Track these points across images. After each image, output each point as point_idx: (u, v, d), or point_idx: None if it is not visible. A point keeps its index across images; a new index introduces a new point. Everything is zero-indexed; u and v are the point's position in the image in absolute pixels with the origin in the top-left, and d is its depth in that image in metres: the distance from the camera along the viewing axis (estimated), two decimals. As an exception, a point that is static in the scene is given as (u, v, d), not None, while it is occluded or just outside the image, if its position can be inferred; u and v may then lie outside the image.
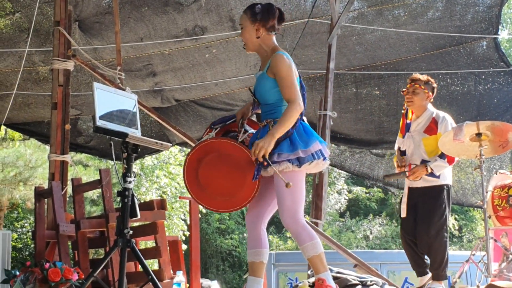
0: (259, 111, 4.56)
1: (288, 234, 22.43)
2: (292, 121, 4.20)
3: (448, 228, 6.14)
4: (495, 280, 5.54)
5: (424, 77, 6.22)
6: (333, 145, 9.87)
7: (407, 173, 6.11)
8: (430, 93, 6.20)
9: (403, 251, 6.44)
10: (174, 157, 19.49)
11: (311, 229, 4.31)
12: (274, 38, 4.46)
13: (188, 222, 16.43)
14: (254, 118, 4.72)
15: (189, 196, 4.56)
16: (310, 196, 7.91)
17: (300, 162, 4.20)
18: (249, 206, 4.42)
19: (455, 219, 23.36)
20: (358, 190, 24.96)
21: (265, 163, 4.14)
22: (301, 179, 4.33)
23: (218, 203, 4.37)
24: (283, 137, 4.22)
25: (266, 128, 4.30)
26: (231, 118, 4.59)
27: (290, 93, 4.24)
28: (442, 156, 5.98)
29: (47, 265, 4.35)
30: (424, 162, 6.06)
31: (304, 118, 4.42)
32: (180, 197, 16.66)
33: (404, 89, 6.26)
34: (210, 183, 4.30)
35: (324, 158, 4.32)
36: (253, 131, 4.53)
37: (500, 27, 8.38)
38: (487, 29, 8.24)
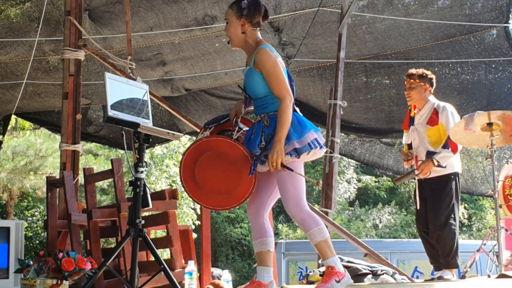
0: (252, 108, 4.58)
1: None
2: (289, 118, 4.22)
3: (458, 217, 6.16)
4: (508, 269, 5.54)
5: (419, 71, 6.29)
6: (343, 134, 9.86)
7: (416, 172, 6.13)
8: (428, 85, 6.24)
9: (412, 240, 6.48)
10: (184, 146, 19.48)
11: (316, 215, 4.34)
12: (259, 33, 4.46)
13: (198, 211, 16.42)
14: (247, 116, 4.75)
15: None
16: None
17: (298, 152, 4.23)
18: (249, 200, 4.43)
19: (465, 207, 23.33)
20: (367, 179, 24.96)
21: (286, 170, 4.18)
22: (301, 167, 4.37)
23: (216, 201, 4.38)
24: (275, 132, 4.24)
25: (261, 123, 4.34)
26: (225, 118, 4.60)
27: (279, 89, 4.27)
28: (445, 146, 6.00)
29: (60, 254, 4.37)
30: (429, 154, 6.09)
31: (297, 108, 4.44)
32: (190, 187, 16.65)
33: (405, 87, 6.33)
34: (207, 181, 4.32)
35: (321, 147, 4.35)
36: (247, 128, 4.54)
37: (510, 15, 8.33)
38: (497, 18, 8.21)
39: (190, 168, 4.34)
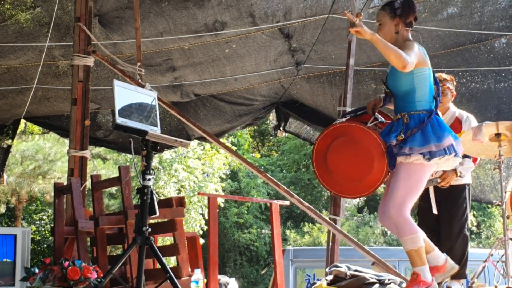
0: (391, 106, 4.59)
1: (305, 229, 22.41)
2: (390, 53, 4.19)
3: (469, 227, 6.14)
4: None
5: (448, 77, 6.21)
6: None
7: (438, 180, 6.08)
8: (454, 92, 6.21)
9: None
10: (193, 150, 19.50)
11: (413, 223, 4.38)
12: (410, 33, 4.55)
13: (206, 216, 16.47)
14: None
15: (208, 192, 4.59)
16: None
17: (431, 155, 4.24)
18: (380, 204, 4.53)
19: (474, 215, 23.23)
20: (376, 185, 24.87)
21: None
22: (426, 175, 4.38)
23: (347, 189, 4.44)
24: (417, 128, 4.29)
25: (400, 121, 4.36)
26: (362, 110, 4.64)
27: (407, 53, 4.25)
28: (467, 157, 5.96)
29: (66, 263, 4.38)
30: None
31: (439, 112, 4.48)
32: (199, 193, 16.67)
33: None
34: (339, 167, 4.35)
35: (456, 154, 4.36)
36: (383, 120, 4.59)
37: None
38: (508, 27, 8.17)
39: (322, 154, 4.37)
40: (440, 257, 4.51)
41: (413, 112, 4.37)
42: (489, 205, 22.59)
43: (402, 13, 4.48)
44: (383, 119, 4.61)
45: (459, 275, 5.96)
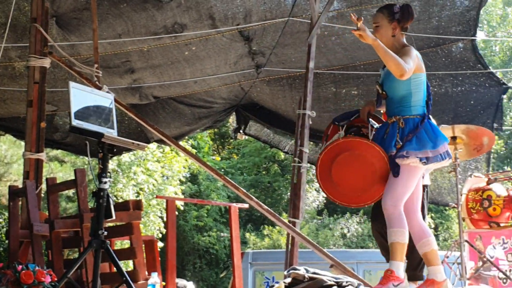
0: (382, 109, 4.64)
1: (265, 232, 22.43)
2: (390, 60, 4.28)
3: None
4: (472, 284, 5.58)
5: None
6: (311, 143, 9.87)
7: None
8: None
9: (379, 250, 6.48)
10: (152, 153, 19.35)
11: (404, 219, 4.48)
12: (404, 38, 4.66)
13: (165, 219, 16.37)
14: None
15: (167, 195, 4.60)
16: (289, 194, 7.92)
17: (428, 160, 4.39)
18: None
19: (431, 217, 23.50)
20: (336, 188, 24.96)
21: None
22: (420, 175, 4.54)
23: (351, 199, 4.63)
24: (412, 133, 4.39)
25: (395, 125, 4.41)
26: (354, 114, 4.70)
27: (405, 62, 4.35)
28: None
29: (19, 267, 4.31)
30: None
31: (432, 118, 4.59)
32: (157, 196, 16.59)
33: None
34: (343, 180, 4.53)
35: (450, 158, 4.55)
36: (377, 125, 4.71)
37: (478, 29, 8.41)
38: (465, 31, 8.27)
39: (327, 167, 4.55)
40: (442, 274, 4.58)
41: (407, 116, 4.49)
42: (447, 208, 22.87)
43: (401, 18, 4.58)
44: (376, 124, 4.70)
45: (416, 277, 6.01)
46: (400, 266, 4.47)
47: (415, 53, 4.54)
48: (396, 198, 4.43)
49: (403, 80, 4.41)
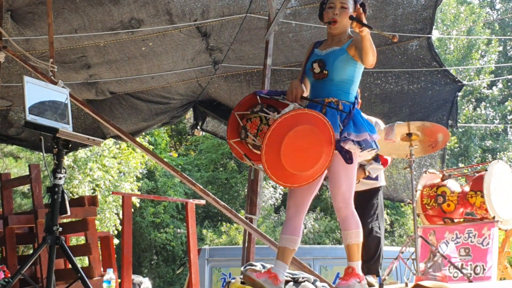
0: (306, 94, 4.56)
1: (222, 229, 22.42)
2: (371, 49, 4.27)
3: (383, 226, 6.30)
4: (422, 279, 5.65)
5: None
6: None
7: None
8: (360, 100, 6.30)
9: (335, 246, 6.55)
10: (108, 149, 19.19)
11: (357, 217, 4.43)
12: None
13: (121, 216, 16.28)
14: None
15: (123, 192, 4.54)
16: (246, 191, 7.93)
17: (366, 145, 4.32)
18: (297, 192, 4.51)
19: (387, 213, 23.74)
20: (293, 184, 25.05)
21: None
22: (356, 164, 4.45)
23: (286, 177, 4.26)
24: (347, 118, 4.33)
25: (332, 105, 4.38)
26: (279, 95, 4.47)
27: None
28: (376, 159, 6.14)
29: (-29, 264, 4.25)
30: (361, 166, 6.18)
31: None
32: (113, 193, 16.45)
33: None
34: (290, 153, 4.17)
35: (378, 149, 4.49)
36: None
37: (433, 27, 8.51)
38: (421, 29, 8.37)
39: (279, 135, 4.13)
40: (283, 275, 4.65)
41: (344, 101, 4.44)
42: (402, 204, 23.15)
43: (361, 5, 4.55)
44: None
45: (371, 270, 6.10)
46: (359, 264, 4.48)
47: None
48: (346, 197, 4.37)
49: (353, 63, 4.44)
